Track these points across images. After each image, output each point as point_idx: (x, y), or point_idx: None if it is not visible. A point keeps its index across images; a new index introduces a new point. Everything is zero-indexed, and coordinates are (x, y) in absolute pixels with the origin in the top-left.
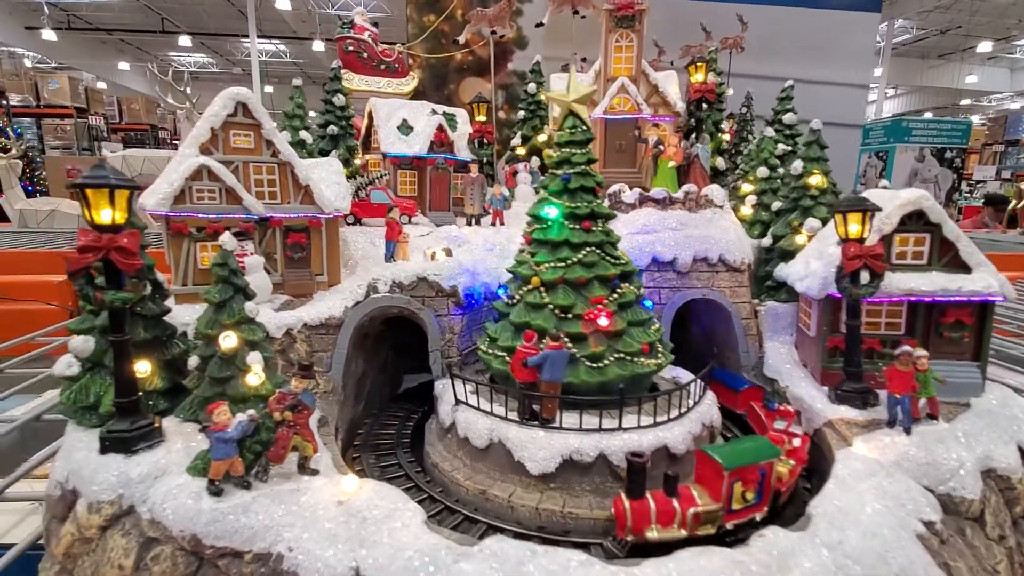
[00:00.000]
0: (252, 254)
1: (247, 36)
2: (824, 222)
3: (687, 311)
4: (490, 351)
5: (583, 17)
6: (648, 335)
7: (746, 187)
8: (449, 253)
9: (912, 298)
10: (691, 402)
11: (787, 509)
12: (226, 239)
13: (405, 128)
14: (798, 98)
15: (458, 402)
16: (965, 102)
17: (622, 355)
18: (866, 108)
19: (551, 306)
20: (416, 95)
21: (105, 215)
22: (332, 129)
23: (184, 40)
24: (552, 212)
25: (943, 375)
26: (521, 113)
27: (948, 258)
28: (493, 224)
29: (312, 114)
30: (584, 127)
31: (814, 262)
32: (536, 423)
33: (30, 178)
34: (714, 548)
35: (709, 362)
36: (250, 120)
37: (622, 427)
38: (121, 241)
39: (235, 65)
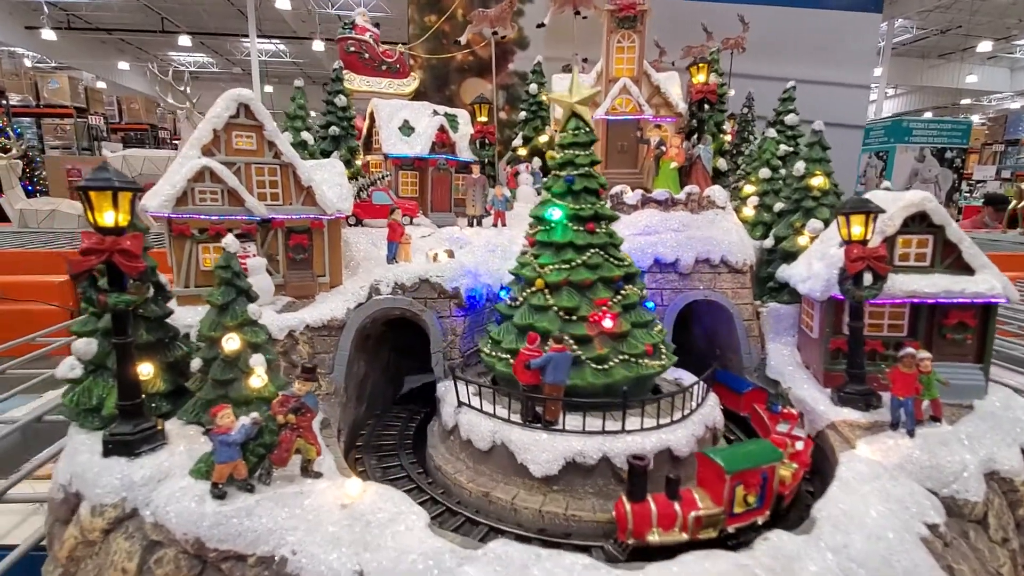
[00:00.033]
0: (254, 256)
1: (247, 36)
2: (826, 223)
3: (689, 312)
4: (493, 353)
5: (584, 18)
6: (652, 336)
7: (748, 188)
8: (451, 255)
9: (915, 300)
10: (694, 404)
11: (790, 512)
12: (229, 241)
13: (407, 129)
14: (799, 99)
15: (461, 404)
16: (965, 102)
17: (627, 357)
18: (868, 108)
19: (555, 308)
20: (417, 96)
21: (108, 217)
22: (333, 130)
23: (184, 40)
24: (556, 214)
25: (946, 377)
26: (522, 114)
27: (951, 260)
28: (495, 225)
29: (312, 114)
30: (587, 128)
31: (816, 263)
32: (539, 425)
33: (30, 178)
34: (719, 552)
35: (711, 363)
36: (252, 121)
37: (625, 429)
38: (124, 243)
39: (235, 65)
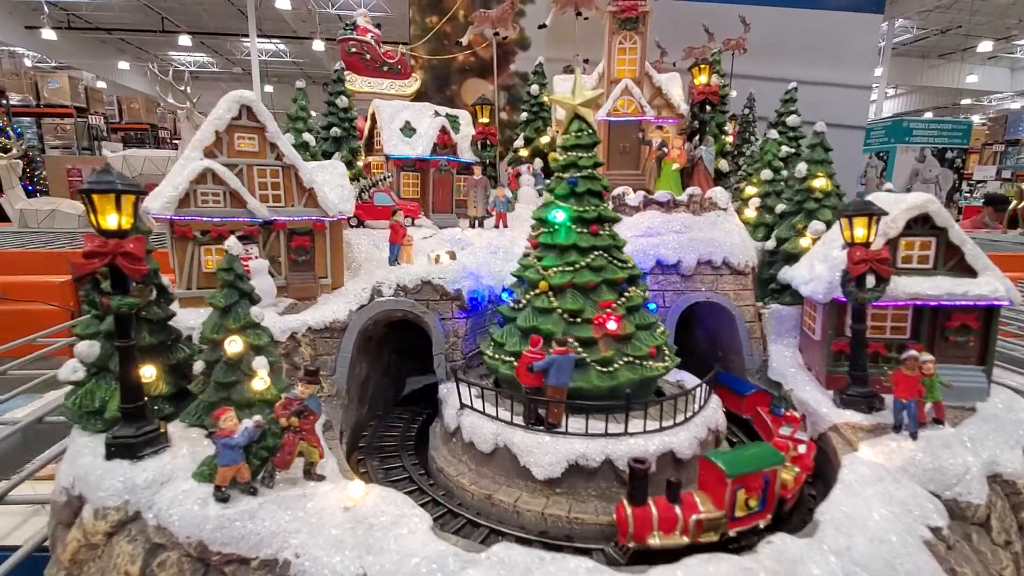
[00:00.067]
0: (256, 257)
1: (247, 35)
2: (828, 225)
3: (691, 314)
4: (497, 356)
5: (586, 19)
6: (655, 338)
7: (750, 189)
8: (453, 256)
9: (918, 302)
10: (696, 407)
11: (793, 515)
12: (231, 243)
13: (408, 130)
14: (800, 99)
15: (463, 406)
16: (965, 102)
17: (631, 359)
18: (869, 109)
19: (560, 310)
20: (418, 96)
21: (111, 220)
22: (335, 131)
23: (184, 39)
24: (559, 216)
25: (948, 379)
26: (524, 115)
27: (954, 262)
28: (496, 227)
29: (312, 114)
30: (590, 130)
31: (819, 265)
32: (542, 428)
33: (30, 178)
34: (722, 555)
35: (713, 365)
36: (254, 123)
37: (628, 432)
38: (127, 246)
39: (235, 65)
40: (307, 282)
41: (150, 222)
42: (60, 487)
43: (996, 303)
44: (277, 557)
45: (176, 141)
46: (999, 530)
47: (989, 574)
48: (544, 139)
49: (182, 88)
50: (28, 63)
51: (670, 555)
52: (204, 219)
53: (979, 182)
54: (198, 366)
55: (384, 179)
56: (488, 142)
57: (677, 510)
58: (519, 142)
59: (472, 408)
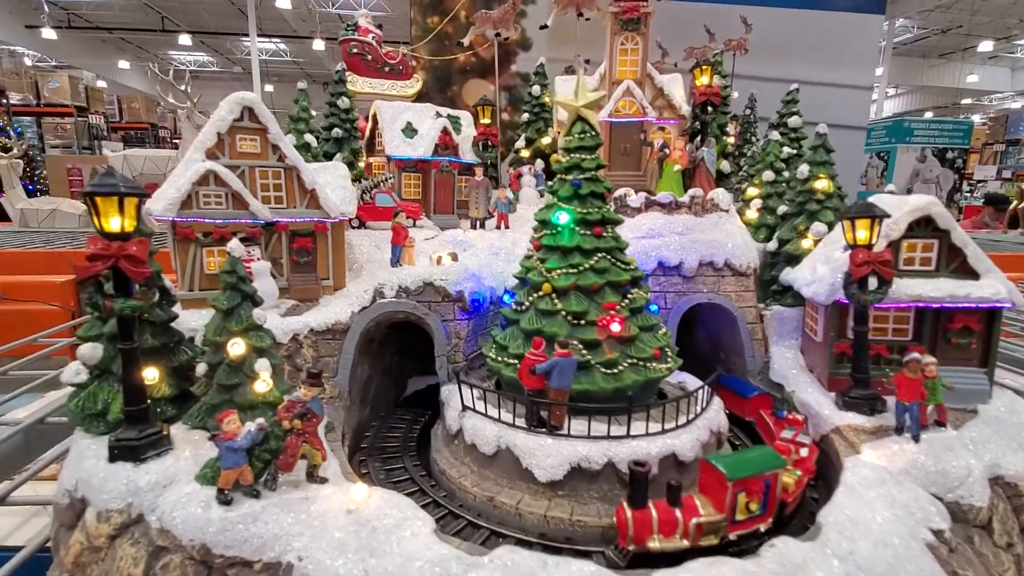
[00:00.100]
0: (259, 259)
1: (247, 35)
2: (830, 226)
3: (692, 315)
4: (500, 359)
5: (587, 19)
6: (658, 340)
7: (751, 191)
8: (455, 258)
9: (920, 304)
10: (699, 409)
11: (794, 518)
12: (234, 246)
13: (409, 131)
14: (802, 100)
15: (465, 408)
16: (966, 101)
17: (636, 360)
18: (870, 109)
19: (564, 313)
20: (419, 97)
21: (114, 223)
22: (336, 132)
23: (184, 39)
24: (563, 218)
25: (950, 381)
26: (525, 115)
27: (956, 264)
28: (498, 228)
29: (312, 113)
30: (593, 132)
31: (821, 267)
32: (544, 430)
33: (31, 177)
34: (725, 559)
35: (715, 367)
36: (256, 124)
37: (630, 434)
38: (130, 249)
39: (235, 64)
40: (309, 284)
41: (152, 223)
42: (63, 489)
43: (998, 305)
44: (280, 560)
45: (176, 140)
46: (1001, 532)
47: None
48: (545, 140)
49: (182, 87)
50: (28, 62)
51: (671, 558)
52: (206, 221)
53: (979, 182)
54: (200, 368)
55: (386, 180)
56: (489, 143)
57: (677, 513)
58: (520, 143)
59: (474, 410)
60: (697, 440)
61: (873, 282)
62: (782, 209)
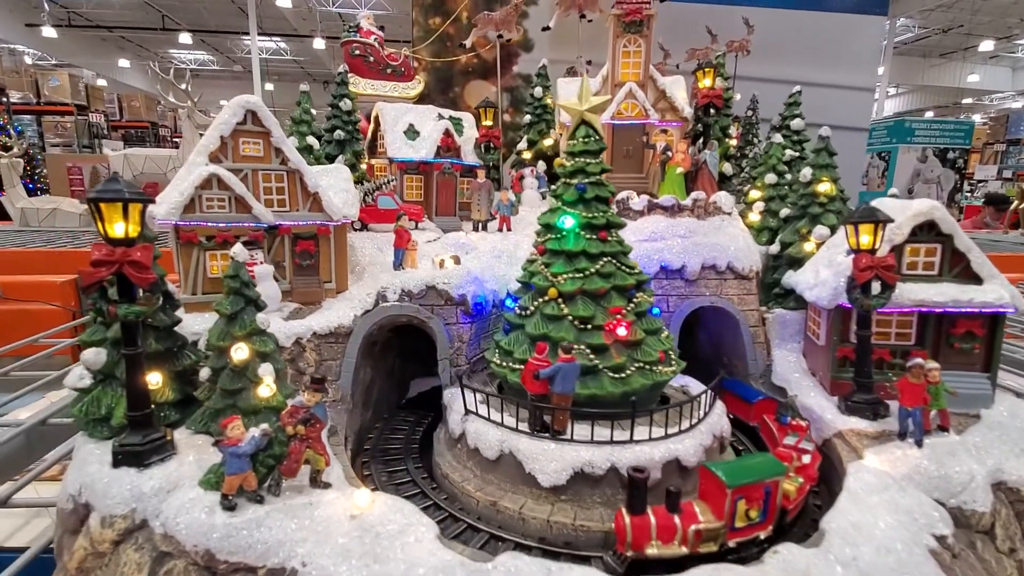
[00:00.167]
0: (262, 263)
1: (247, 33)
2: (833, 230)
3: (694, 319)
4: (505, 363)
5: (590, 21)
6: (662, 343)
7: (754, 193)
8: (457, 261)
9: (923, 309)
10: (701, 413)
11: (795, 525)
12: (238, 250)
13: (412, 133)
14: (804, 102)
15: (468, 412)
16: (967, 101)
17: (642, 364)
18: (872, 110)
19: (570, 317)
20: (421, 98)
21: (119, 229)
22: (339, 134)
23: (184, 37)
24: (568, 222)
25: (953, 386)
26: (527, 117)
27: (959, 269)
28: (500, 230)
29: (313, 114)
30: (597, 136)
31: (824, 271)
32: (547, 435)
33: (31, 176)
34: (728, 566)
35: (717, 370)
36: (260, 128)
37: (633, 439)
38: (134, 255)
39: (235, 63)
40: (312, 287)
41: (152, 225)
42: (67, 494)
43: (1001, 311)
44: (284, 566)
45: (177, 139)
46: (1003, 538)
47: None
48: (547, 142)
49: (183, 86)
50: (28, 61)
51: (670, 564)
52: (209, 224)
53: (980, 182)
54: (204, 373)
55: (388, 182)
56: (492, 145)
57: (676, 519)
58: (522, 144)
59: (477, 414)
60: (700, 445)
61: (876, 287)
62: (784, 212)
